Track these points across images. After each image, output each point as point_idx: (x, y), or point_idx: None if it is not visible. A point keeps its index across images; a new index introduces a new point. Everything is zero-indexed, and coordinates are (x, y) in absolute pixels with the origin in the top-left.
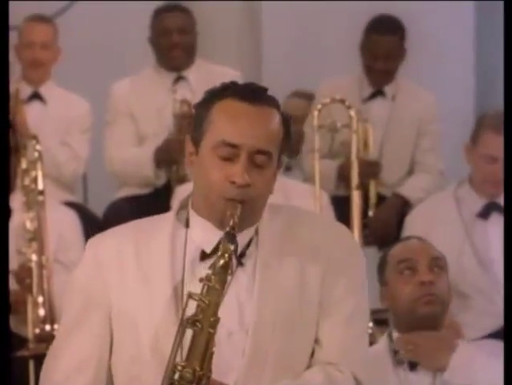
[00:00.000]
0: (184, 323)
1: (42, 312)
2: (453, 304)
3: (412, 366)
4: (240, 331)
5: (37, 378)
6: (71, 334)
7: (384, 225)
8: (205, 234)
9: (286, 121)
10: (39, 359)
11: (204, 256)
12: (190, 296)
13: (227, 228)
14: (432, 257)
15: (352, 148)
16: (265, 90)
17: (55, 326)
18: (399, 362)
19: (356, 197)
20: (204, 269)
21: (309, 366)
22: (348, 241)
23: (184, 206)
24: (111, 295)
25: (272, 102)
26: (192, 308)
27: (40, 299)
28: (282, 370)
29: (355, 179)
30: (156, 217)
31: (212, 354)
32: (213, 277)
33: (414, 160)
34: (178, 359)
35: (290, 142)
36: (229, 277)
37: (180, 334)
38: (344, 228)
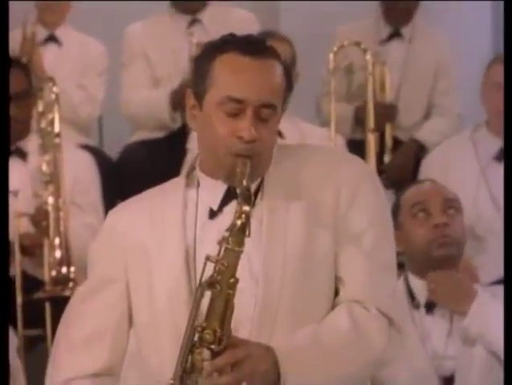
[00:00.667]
0: (203, 285)
1: (58, 254)
2: (469, 247)
3: (429, 309)
4: (250, 282)
5: (53, 320)
6: (88, 302)
7: (401, 170)
8: (212, 192)
9: (288, 71)
10: (56, 301)
11: (212, 214)
12: (208, 258)
13: (240, 188)
14: (446, 198)
15: (368, 91)
16: (264, 42)
17: (72, 269)
18: (415, 306)
19: (372, 140)
20: (213, 228)
21: (333, 307)
22: (362, 170)
23: (193, 167)
24: (129, 265)
25: (273, 53)
26: (207, 269)
27: (57, 241)
28: (296, 318)
29: (370, 122)
30: (168, 183)
31: (231, 314)
32: (230, 238)
33: (431, 102)
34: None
35: (292, 92)
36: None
37: (199, 296)
38: (358, 158)
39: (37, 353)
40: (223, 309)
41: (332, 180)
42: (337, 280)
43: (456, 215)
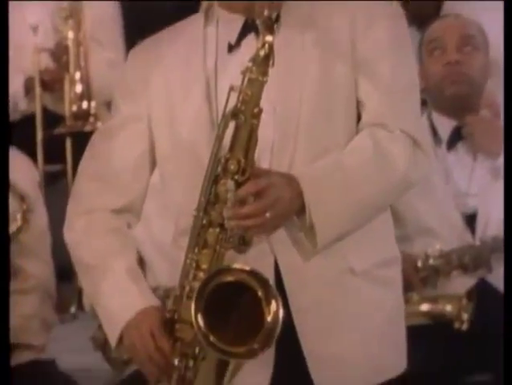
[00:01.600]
0: (227, 116)
1: (79, 89)
2: (493, 82)
3: (451, 145)
4: (268, 110)
5: (74, 156)
6: (110, 139)
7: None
8: (230, 26)
9: None
10: (76, 136)
11: (230, 48)
12: (232, 89)
13: (261, 18)
14: (463, 35)
15: None
16: None
17: (92, 104)
18: (437, 142)
19: None
20: (232, 62)
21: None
22: None
23: (212, 2)
24: (152, 101)
25: None
26: (230, 101)
27: (77, 76)
28: (315, 146)
29: None
30: (188, 19)
31: (255, 145)
32: (254, 68)
33: None
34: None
35: None
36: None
37: (223, 126)
38: None
39: (57, 188)
40: (247, 139)
41: (348, 4)
42: (359, 106)
43: (474, 53)
